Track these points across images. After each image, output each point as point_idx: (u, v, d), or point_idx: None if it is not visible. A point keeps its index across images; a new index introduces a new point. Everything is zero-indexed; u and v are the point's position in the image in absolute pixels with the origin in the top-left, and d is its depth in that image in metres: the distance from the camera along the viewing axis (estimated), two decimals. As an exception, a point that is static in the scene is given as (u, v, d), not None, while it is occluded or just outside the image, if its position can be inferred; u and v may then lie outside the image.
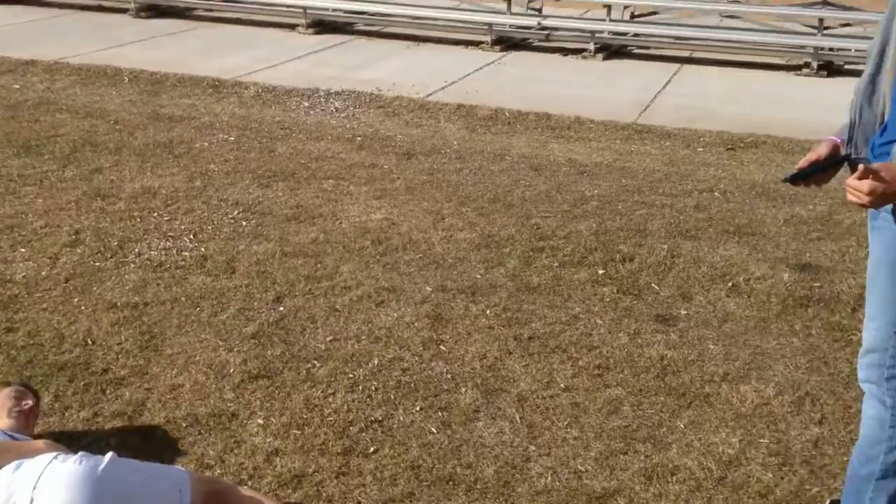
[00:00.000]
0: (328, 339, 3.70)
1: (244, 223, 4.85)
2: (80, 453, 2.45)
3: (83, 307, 3.87)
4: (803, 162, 2.38)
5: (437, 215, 5.02)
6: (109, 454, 2.47)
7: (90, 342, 3.59)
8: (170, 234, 4.67)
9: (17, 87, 7.62)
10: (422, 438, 3.07)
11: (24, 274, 4.16)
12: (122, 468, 2.45)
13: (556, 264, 4.43)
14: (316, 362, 3.51)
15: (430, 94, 7.89)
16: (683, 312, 4.01)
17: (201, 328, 3.75)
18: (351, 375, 3.43)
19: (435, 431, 3.11)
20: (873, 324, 2.39)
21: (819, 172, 2.36)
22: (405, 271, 4.33)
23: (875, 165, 2.13)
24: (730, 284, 4.25)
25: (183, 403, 3.22)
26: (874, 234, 2.37)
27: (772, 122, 7.03)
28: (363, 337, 3.72)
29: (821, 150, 2.40)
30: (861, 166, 2.14)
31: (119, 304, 3.90)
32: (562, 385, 3.41)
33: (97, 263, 4.30)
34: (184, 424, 3.10)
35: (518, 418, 3.20)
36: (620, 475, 2.91)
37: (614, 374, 3.49)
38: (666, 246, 4.66)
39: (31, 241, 4.53)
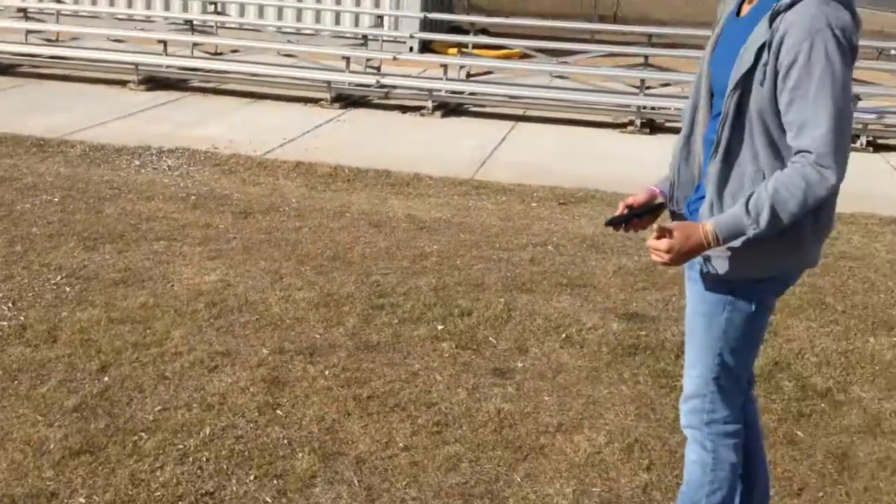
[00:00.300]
0: (157, 408, 3.55)
1: (67, 289, 4.61)
2: None
3: None
4: (621, 206, 2.50)
5: (274, 275, 4.94)
6: None
7: None
8: (-15, 303, 4.39)
9: None
10: (256, 508, 2.97)
11: None
12: None
13: (395, 321, 4.43)
14: (143, 434, 3.36)
15: (269, 152, 7.82)
16: (520, 365, 4.08)
17: (19, 402, 3.52)
18: (181, 446, 3.29)
19: (270, 501, 3.02)
20: (693, 371, 2.51)
21: (636, 218, 2.48)
22: (241, 334, 4.23)
23: (669, 225, 2.28)
24: (563, 336, 4.37)
25: (-4, 486, 3.00)
26: (690, 285, 2.50)
27: (600, 178, 7.34)
28: (195, 405, 3.59)
29: (638, 197, 2.52)
30: (656, 225, 2.28)
31: (-76, 381, 3.62)
32: (401, 444, 3.39)
33: None
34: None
35: (356, 481, 3.15)
36: (459, 533, 2.91)
37: (453, 431, 3.51)
38: (503, 299, 4.76)
39: None
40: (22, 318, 4.26)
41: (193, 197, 6.32)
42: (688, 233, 2.23)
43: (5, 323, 4.19)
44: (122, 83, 10.30)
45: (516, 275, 5.16)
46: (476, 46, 12.13)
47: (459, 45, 12.05)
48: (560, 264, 5.35)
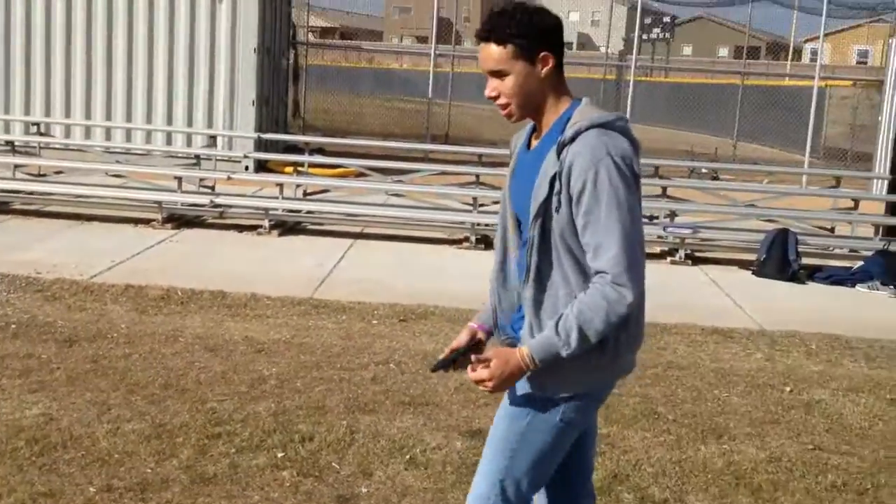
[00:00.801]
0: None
1: None
2: None
3: None
4: (447, 350, 2.61)
5: (101, 406, 4.68)
6: None
7: None
8: None
9: None
10: None
11: None
12: None
13: (233, 450, 4.26)
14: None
15: (96, 275, 7.52)
16: (364, 490, 4.00)
17: None
18: None
19: None
20: (482, 468, 2.56)
21: (461, 357, 2.56)
22: (65, 472, 3.96)
23: (486, 355, 2.42)
24: (407, 457, 4.32)
25: None
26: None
27: (439, 293, 7.46)
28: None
29: (461, 339, 2.64)
30: (473, 358, 2.41)
31: None
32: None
33: None
34: None
35: None
36: None
37: (296, 564, 3.37)
38: (345, 422, 4.68)
39: None
40: None
41: (14, 325, 5.96)
42: (505, 358, 2.36)
43: None
44: (-66, 206, 9.73)
45: (358, 395, 5.10)
46: (312, 165, 12.25)
47: (295, 164, 12.14)
48: (402, 382, 5.34)
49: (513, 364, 2.33)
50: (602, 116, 2.35)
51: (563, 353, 2.30)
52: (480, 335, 2.64)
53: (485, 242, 9.68)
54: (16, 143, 11.96)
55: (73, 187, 10.05)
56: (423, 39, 39.46)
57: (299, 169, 12.02)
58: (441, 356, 2.60)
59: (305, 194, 11.22)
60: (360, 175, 12.33)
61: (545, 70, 2.37)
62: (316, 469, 4.15)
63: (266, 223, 9.77)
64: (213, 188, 10.73)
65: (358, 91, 21.69)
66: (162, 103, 13.45)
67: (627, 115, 18.37)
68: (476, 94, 25.35)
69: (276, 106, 15.24)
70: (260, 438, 4.42)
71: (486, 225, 9.87)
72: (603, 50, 28.13)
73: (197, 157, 11.79)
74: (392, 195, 11.26)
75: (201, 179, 10.91)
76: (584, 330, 2.27)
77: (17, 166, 11.16)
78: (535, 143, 2.50)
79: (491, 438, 2.55)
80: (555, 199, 2.33)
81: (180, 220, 9.96)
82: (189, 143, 13.33)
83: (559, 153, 2.32)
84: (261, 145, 13.05)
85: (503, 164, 12.96)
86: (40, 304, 6.57)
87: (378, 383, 5.31)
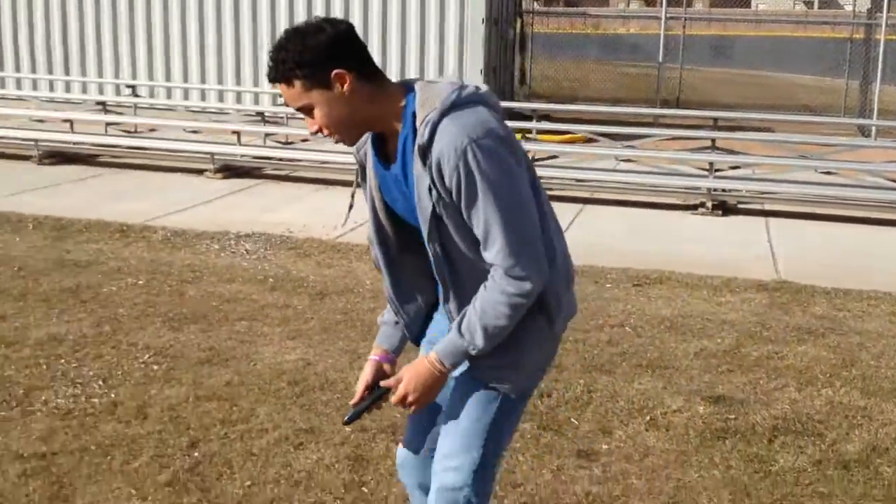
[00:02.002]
0: (246, 484, 3.58)
1: (155, 367, 4.72)
2: None
3: (-14, 459, 3.67)
4: (356, 396, 2.45)
5: (352, 354, 4.99)
6: None
7: (-7, 497, 3.40)
8: (78, 380, 4.50)
9: (-87, 232, 7.38)
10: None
11: (-82, 426, 3.93)
12: None
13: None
14: (235, 510, 3.38)
15: (341, 236, 7.96)
16: (604, 447, 4.03)
17: (113, 477, 3.58)
18: (272, 523, 3.31)
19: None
20: (452, 462, 2.38)
21: (377, 399, 2.41)
22: (323, 412, 4.26)
23: (394, 377, 2.32)
24: (648, 418, 4.31)
25: (94, 560, 3.04)
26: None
27: (674, 259, 7.31)
28: (282, 481, 3.61)
29: (365, 377, 2.46)
30: (381, 384, 2.35)
31: (26, 454, 3.71)
32: (490, 524, 3.35)
33: (2, 413, 4.10)
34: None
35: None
36: None
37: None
38: (582, 381, 4.72)
39: (-73, 391, 4.30)
40: (113, 395, 4.35)
41: (271, 279, 6.45)
42: (416, 371, 2.26)
43: (97, 400, 4.29)
44: (199, 172, 10.64)
45: (594, 356, 5.12)
46: (539, 132, 12.30)
47: (523, 132, 12.24)
48: (639, 345, 5.31)
49: (425, 374, 2.25)
50: (446, 98, 2.12)
51: (472, 352, 2.21)
52: (386, 367, 2.49)
53: (722, 208, 9.37)
54: (265, 114, 12.81)
55: (320, 154, 10.64)
56: (650, 2, 38.39)
57: (527, 136, 12.10)
58: (352, 403, 2.45)
59: (533, 160, 11.28)
60: (588, 141, 12.25)
61: (346, 87, 2.11)
62: (555, 424, 4.23)
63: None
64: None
65: (584, 58, 21.46)
66: (394, 75, 13.97)
67: (846, 76, 17.14)
68: (709, 58, 24.43)
69: (503, 74, 15.40)
70: (501, 392, 4.55)
71: (724, 190, 9.56)
72: (849, 8, 26.18)
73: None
74: (623, 160, 11.12)
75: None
76: (488, 328, 2.18)
77: (266, 135, 11.93)
78: (392, 151, 2.26)
79: (454, 427, 2.37)
80: (438, 207, 2.15)
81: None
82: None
83: (424, 160, 2.12)
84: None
85: (740, 129, 12.51)
86: (293, 260, 7.06)
87: (614, 345, 5.30)
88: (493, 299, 2.16)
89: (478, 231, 2.15)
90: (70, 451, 3.77)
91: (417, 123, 2.12)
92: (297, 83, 2.09)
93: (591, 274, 6.93)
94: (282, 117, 13.36)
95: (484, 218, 2.11)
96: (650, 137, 11.49)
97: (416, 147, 2.13)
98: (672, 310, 5.97)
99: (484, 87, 2.23)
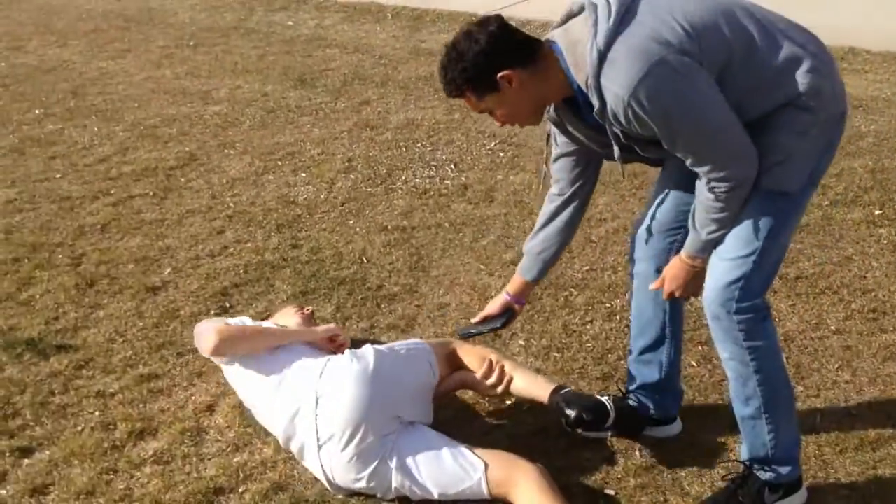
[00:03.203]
0: (584, 268, 3.74)
1: (501, 154, 4.96)
2: (347, 353, 2.63)
3: (358, 229, 4.15)
4: (477, 318, 2.68)
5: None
6: (370, 348, 2.65)
7: (365, 260, 3.86)
8: (433, 163, 4.87)
9: (291, 23, 8.14)
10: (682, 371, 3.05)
11: (304, 197, 4.51)
12: (387, 359, 2.63)
13: (826, 203, 4.19)
14: (573, 290, 3.57)
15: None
16: (973, 259, 3.69)
17: (464, 252, 3.91)
18: (608, 305, 3.46)
19: (695, 364, 3.09)
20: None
21: (493, 329, 2.67)
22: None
23: (657, 283, 2.38)
24: None
25: (450, 321, 3.39)
26: None
27: None
28: (619, 268, 3.72)
29: (494, 308, 2.66)
30: (653, 286, 2.42)
31: (389, 227, 4.15)
32: (832, 328, 3.26)
33: (369, 189, 4.58)
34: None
35: (785, 358, 3.09)
36: (897, 423, 2.76)
37: (891, 319, 3.29)
38: (954, 187, 4.29)
39: (310, 167, 4.89)
40: (463, 178, 4.67)
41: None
42: (673, 273, 2.31)
43: (449, 182, 4.63)
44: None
45: (971, 161, 4.60)
46: None
47: None
48: None
49: (682, 273, 2.29)
50: (591, 54, 1.99)
51: (714, 237, 2.19)
52: (517, 308, 2.67)
53: None
54: None
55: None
56: None
57: None
58: (474, 321, 2.67)
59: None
60: None
61: (514, 83, 2.09)
62: (919, 232, 3.92)
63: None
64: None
65: None
66: None
67: None
68: None
69: None
70: (855, 194, 4.27)
71: None
72: None
73: None
74: None
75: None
76: (717, 219, 2.16)
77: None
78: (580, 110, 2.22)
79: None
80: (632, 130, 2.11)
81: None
82: None
83: (601, 98, 2.04)
84: None
85: None
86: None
87: None
88: (706, 196, 2.14)
89: (681, 153, 2.12)
90: (427, 227, 4.15)
91: (588, 89, 2.06)
92: (471, 95, 2.15)
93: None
94: None
95: (684, 146, 2.07)
96: None
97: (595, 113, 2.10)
98: None
99: None
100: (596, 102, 2.05)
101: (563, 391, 2.64)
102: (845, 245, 3.84)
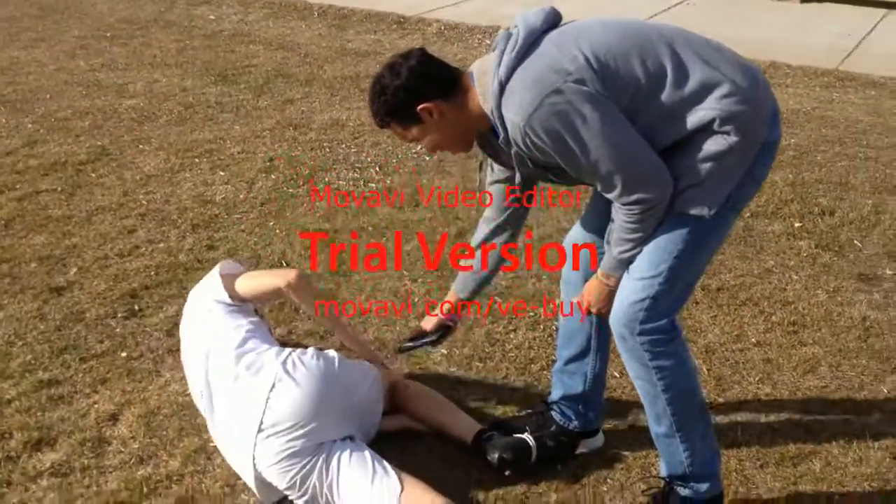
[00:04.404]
0: (509, 276, 3.68)
1: (427, 158, 4.88)
2: (311, 350, 2.55)
3: (278, 230, 4.02)
4: (414, 333, 2.69)
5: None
6: (334, 353, 2.57)
7: (284, 263, 3.73)
8: (357, 165, 4.76)
9: (213, 17, 7.93)
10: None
11: (223, 196, 4.36)
12: (349, 368, 2.56)
13: (747, 214, 4.22)
14: (497, 298, 3.51)
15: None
16: (889, 273, 3.74)
17: (387, 258, 3.81)
18: (532, 314, 3.41)
19: (618, 375, 3.05)
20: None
21: (429, 344, 2.65)
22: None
23: (579, 298, 2.37)
24: (942, 245, 3.94)
25: (370, 327, 3.30)
26: None
27: None
28: (544, 277, 3.68)
29: (430, 324, 2.64)
30: (574, 302, 2.43)
31: (311, 229, 4.02)
32: (753, 340, 3.26)
33: (290, 190, 4.45)
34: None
35: (705, 370, 3.09)
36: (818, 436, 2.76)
37: (811, 332, 3.31)
38: (870, 201, 4.36)
39: (229, 165, 4.73)
40: (388, 181, 4.57)
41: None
42: (589, 290, 2.30)
43: (374, 184, 4.53)
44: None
45: (886, 175, 4.70)
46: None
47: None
48: (941, 168, 4.79)
49: (597, 290, 2.27)
50: (493, 87, 2.04)
51: (627, 257, 2.17)
52: (449, 324, 2.65)
53: None
54: None
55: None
56: None
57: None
58: (409, 337, 2.69)
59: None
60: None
61: (436, 115, 2.13)
62: (836, 244, 3.97)
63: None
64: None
65: None
66: None
67: None
68: None
69: None
70: (776, 206, 4.31)
71: None
72: None
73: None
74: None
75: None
76: (630, 239, 2.14)
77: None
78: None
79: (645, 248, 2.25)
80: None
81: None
82: None
83: (503, 128, 2.10)
84: None
85: None
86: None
87: (910, 166, 4.82)
88: (619, 217, 2.13)
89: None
90: (349, 230, 4.04)
91: (494, 114, 2.07)
92: (396, 126, 2.20)
93: (892, 87, 6.28)
94: None
95: (589, 169, 2.04)
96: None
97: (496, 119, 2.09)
98: None
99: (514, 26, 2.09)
100: (500, 132, 2.09)
101: (485, 435, 2.61)
102: (766, 257, 3.86)
